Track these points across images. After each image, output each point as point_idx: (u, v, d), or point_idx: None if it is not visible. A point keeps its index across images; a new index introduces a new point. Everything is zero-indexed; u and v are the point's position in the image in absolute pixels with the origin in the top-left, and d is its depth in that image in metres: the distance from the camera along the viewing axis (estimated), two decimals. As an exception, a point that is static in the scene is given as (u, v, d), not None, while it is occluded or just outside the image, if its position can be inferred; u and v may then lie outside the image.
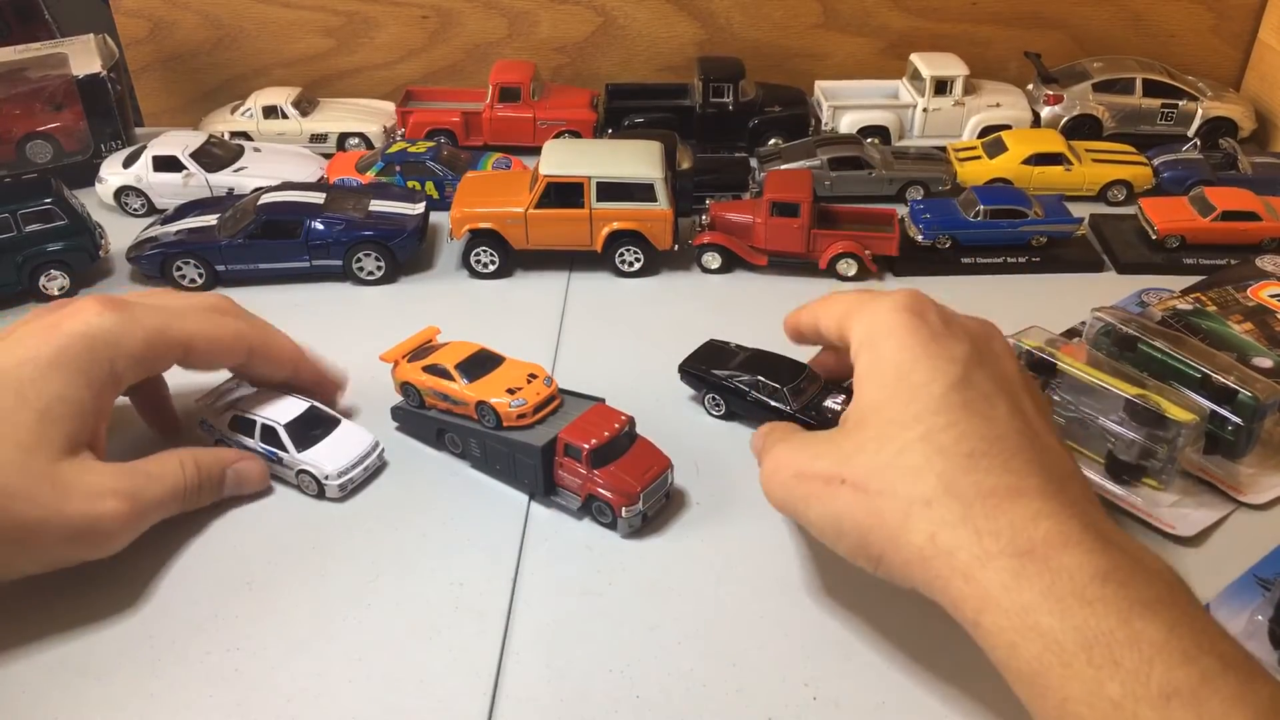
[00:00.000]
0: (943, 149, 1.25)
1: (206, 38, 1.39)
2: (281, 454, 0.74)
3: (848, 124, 1.28)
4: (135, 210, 1.17)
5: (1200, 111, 1.28)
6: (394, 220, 1.04)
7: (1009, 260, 1.05)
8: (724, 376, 0.81)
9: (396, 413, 0.81)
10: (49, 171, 1.15)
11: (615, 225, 1.02)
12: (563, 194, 1.01)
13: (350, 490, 0.74)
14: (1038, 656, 0.45)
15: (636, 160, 1.02)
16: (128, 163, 1.16)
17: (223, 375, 0.80)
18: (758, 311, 0.97)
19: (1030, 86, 1.33)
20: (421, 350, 0.80)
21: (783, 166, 1.17)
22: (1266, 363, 0.79)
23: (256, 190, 1.08)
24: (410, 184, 1.15)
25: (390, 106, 1.35)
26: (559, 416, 0.74)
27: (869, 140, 1.24)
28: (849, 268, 1.02)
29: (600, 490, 0.69)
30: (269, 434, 0.74)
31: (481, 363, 0.77)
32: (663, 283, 1.04)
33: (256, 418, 0.75)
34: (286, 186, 1.08)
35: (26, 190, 1.02)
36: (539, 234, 1.02)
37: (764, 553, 0.69)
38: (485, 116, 1.29)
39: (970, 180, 1.17)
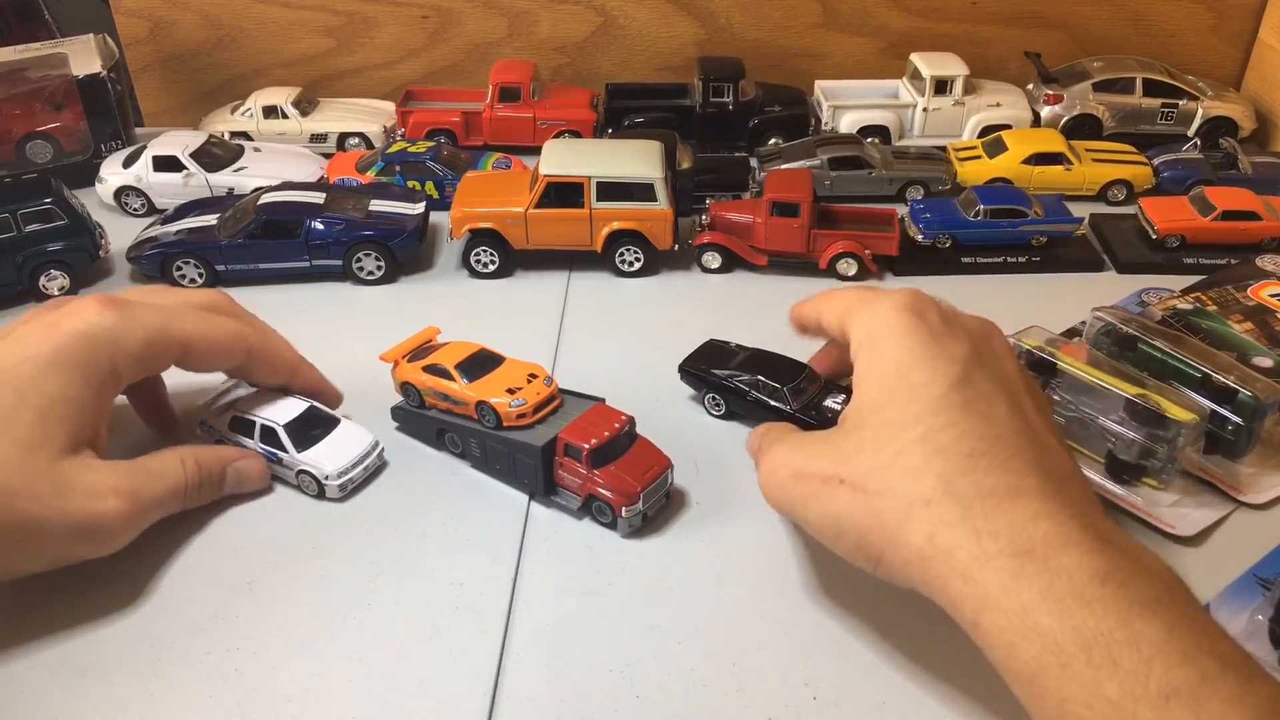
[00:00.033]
0: (943, 149, 1.24)
1: (206, 38, 1.39)
2: (281, 454, 0.74)
3: (848, 124, 1.28)
4: (135, 210, 1.17)
5: (1200, 111, 1.28)
6: (394, 220, 1.04)
7: (1009, 260, 1.05)
8: (724, 376, 0.81)
9: (396, 413, 0.81)
10: (49, 171, 1.15)
11: (615, 225, 1.02)
12: (563, 194, 1.01)
13: (350, 490, 0.74)
14: (1036, 657, 0.45)
15: (636, 160, 1.02)
16: (128, 163, 1.16)
17: (221, 377, 0.80)
18: (758, 311, 0.97)
19: (1030, 86, 1.33)
20: (421, 350, 0.80)
21: (783, 166, 1.17)
22: (1267, 362, 0.79)
23: (256, 190, 1.08)
24: (410, 184, 1.15)
25: (390, 106, 1.35)
26: (559, 416, 0.74)
27: (869, 140, 1.24)
28: (849, 267, 1.02)
29: (600, 490, 0.69)
30: (268, 434, 0.74)
31: (481, 363, 0.77)
32: (663, 283, 1.04)
33: (256, 418, 0.75)
34: (286, 186, 1.08)
35: (27, 190, 1.02)
36: (539, 234, 1.02)
37: (764, 553, 0.69)
38: (485, 116, 1.29)
39: (970, 180, 1.17)
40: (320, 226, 1.01)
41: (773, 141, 1.28)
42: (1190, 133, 1.28)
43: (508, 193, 1.03)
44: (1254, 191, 1.07)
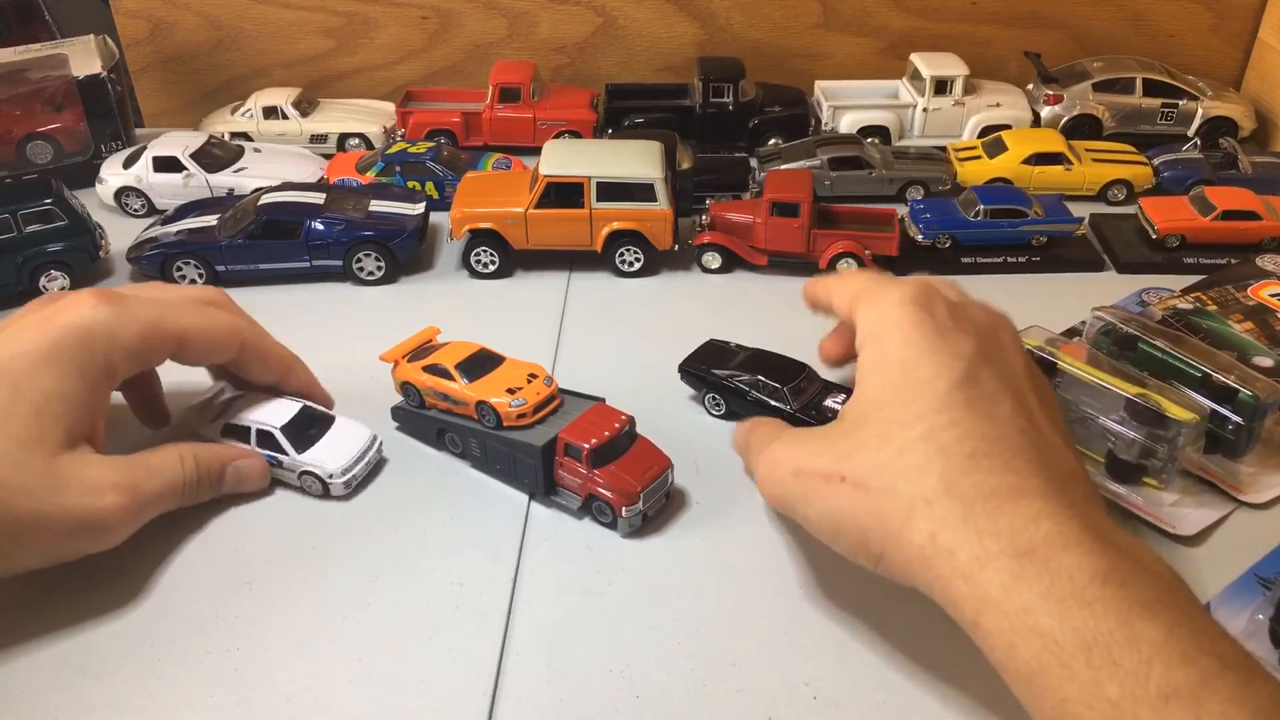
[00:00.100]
0: (943, 149, 1.24)
1: (207, 39, 1.39)
2: (282, 457, 0.73)
3: (848, 124, 1.28)
4: (135, 211, 1.17)
5: (1200, 111, 1.28)
6: (394, 220, 1.04)
7: (1009, 260, 1.05)
8: (724, 376, 0.81)
9: (396, 413, 0.81)
10: (49, 172, 1.15)
11: (615, 225, 1.02)
12: (563, 194, 1.01)
13: (354, 487, 0.74)
14: (1036, 657, 0.45)
15: (636, 160, 1.02)
16: (128, 163, 1.16)
17: (208, 383, 0.79)
18: (758, 311, 0.97)
19: (1030, 86, 1.33)
20: (421, 350, 0.80)
21: (783, 166, 1.17)
22: (1267, 362, 0.79)
23: (257, 191, 1.08)
24: (410, 184, 1.15)
25: (390, 107, 1.35)
26: (559, 416, 0.74)
27: (869, 140, 1.24)
28: (849, 268, 1.02)
29: (600, 490, 0.69)
30: (265, 439, 0.74)
31: (481, 363, 0.77)
32: (663, 283, 1.04)
33: (250, 424, 0.74)
34: (286, 187, 1.08)
35: (27, 191, 1.02)
36: (539, 234, 1.02)
37: (764, 553, 0.69)
38: (485, 117, 1.29)
39: (970, 180, 1.17)
40: (320, 227, 1.01)
41: (773, 142, 1.28)
42: (1190, 133, 1.28)
43: (508, 193, 1.03)
44: (1254, 191, 1.07)
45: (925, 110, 1.29)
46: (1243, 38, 1.39)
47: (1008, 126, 1.26)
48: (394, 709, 0.58)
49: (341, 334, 0.94)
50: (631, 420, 0.73)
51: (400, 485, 0.76)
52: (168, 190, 1.15)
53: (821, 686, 0.59)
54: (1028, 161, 1.17)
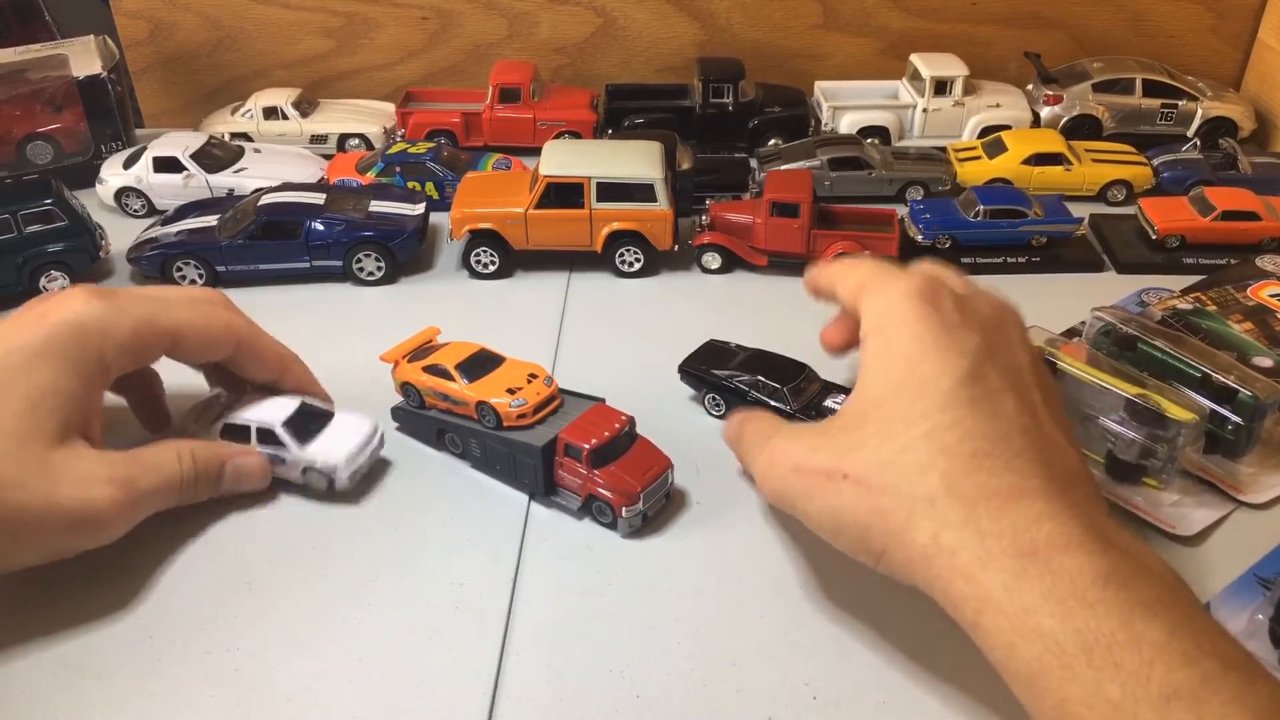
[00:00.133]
0: (943, 149, 1.24)
1: (207, 39, 1.39)
2: (284, 454, 0.73)
3: (848, 124, 1.28)
4: (136, 211, 1.17)
5: (1200, 111, 1.28)
6: (394, 221, 1.04)
7: (1009, 260, 1.05)
8: (724, 376, 0.81)
9: (396, 413, 0.81)
10: (49, 172, 1.15)
11: (615, 225, 1.02)
12: (563, 194, 1.01)
13: (359, 479, 0.74)
14: (1037, 658, 0.45)
15: (636, 160, 1.02)
16: (128, 164, 1.16)
17: (204, 387, 0.79)
18: (758, 311, 0.97)
19: (1030, 86, 1.33)
20: (421, 350, 0.80)
21: (783, 167, 1.17)
22: (1267, 362, 0.79)
23: (257, 191, 1.08)
24: (410, 185, 1.15)
25: (390, 107, 1.35)
26: (559, 416, 0.74)
27: (869, 140, 1.24)
28: (849, 267, 1.02)
29: (600, 490, 0.69)
30: (266, 436, 0.73)
31: (481, 363, 0.77)
32: (663, 283, 1.04)
33: (250, 423, 0.73)
34: (287, 187, 1.08)
35: (27, 191, 1.02)
36: (539, 234, 1.02)
37: (764, 553, 0.69)
38: (485, 117, 1.30)
39: (970, 180, 1.17)
40: (320, 227, 1.01)
41: (773, 142, 1.28)
42: (1190, 133, 1.28)
43: (508, 193, 1.03)
44: (1254, 191, 1.07)
45: (925, 111, 1.29)
46: (1242, 38, 1.39)
47: (1007, 127, 1.26)
48: (394, 709, 0.58)
49: (341, 334, 0.94)
50: (631, 420, 0.73)
51: (400, 485, 0.76)
52: (168, 191, 1.15)
53: (821, 686, 0.59)
54: (1027, 162, 1.17)
